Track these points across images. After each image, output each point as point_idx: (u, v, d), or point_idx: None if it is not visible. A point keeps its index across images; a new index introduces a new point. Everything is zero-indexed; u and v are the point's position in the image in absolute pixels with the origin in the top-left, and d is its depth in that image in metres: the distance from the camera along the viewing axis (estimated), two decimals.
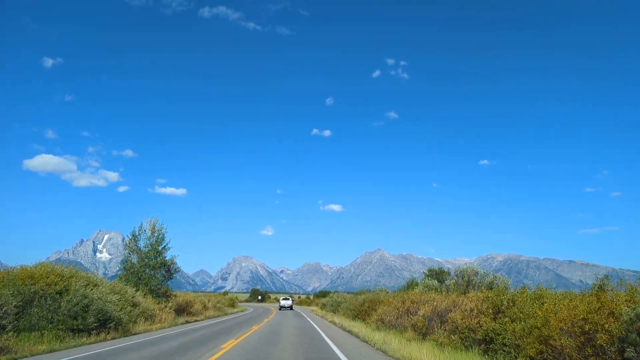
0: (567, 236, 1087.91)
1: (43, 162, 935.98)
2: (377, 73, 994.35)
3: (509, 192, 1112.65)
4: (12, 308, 13.68)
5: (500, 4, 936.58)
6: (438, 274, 28.44)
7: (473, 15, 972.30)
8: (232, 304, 53.53)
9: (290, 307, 59.09)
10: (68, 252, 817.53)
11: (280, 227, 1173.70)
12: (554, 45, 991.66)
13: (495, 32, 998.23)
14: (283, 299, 61.98)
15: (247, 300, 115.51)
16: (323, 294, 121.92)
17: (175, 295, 29.31)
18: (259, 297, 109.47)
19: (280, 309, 56.46)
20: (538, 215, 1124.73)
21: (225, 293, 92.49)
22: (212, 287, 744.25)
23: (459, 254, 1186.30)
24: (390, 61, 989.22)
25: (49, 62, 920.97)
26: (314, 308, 55.90)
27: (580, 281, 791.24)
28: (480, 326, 11.42)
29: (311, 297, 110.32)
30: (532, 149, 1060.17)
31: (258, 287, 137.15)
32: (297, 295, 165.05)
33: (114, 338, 16.88)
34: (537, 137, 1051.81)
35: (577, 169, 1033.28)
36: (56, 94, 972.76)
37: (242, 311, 48.14)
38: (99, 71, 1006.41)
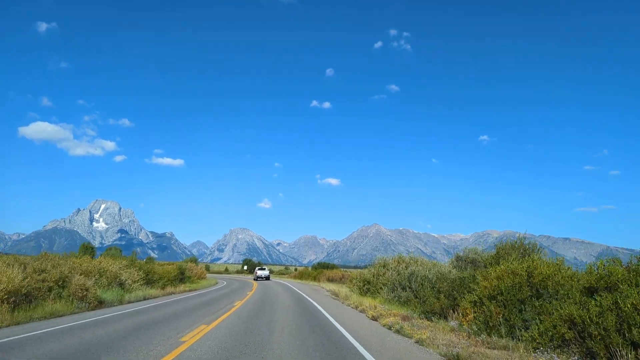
0: (563, 214, 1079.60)
1: (38, 130, 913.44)
2: (379, 44, 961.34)
3: (507, 169, 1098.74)
4: None
5: None
6: None
7: None
8: (180, 276, 30.26)
9: (267, 278, 58.03)
10: (65, 221, 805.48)
11: (277, 200, 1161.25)
12: (558, 29, 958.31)
13: (502, 12, 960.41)
14: (259, 269, 60.23)
15: (237, 272, 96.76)
16: (324, 265, 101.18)
17: None
18: (245, 267, 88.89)
19: (256, 279, 55.59)
20: (536, 192, 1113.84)
21: (193, 259, 71.60)
22: (209, 259, 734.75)
23: (454, 229, 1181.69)
24: (393, 32, 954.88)
25: (43, 26, 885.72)
26: (331, 287, 30.55)
27: (575, 258, 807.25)
28: None
29: (309, 269, 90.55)
30: (533, 126, 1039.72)
31: (254, 258, 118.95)
32: (294, 267, 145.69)
33: None
34: (538, 114, 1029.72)
35: (578, 147, 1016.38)
36: (51, 60, 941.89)
37: (188, 291, 25.87)
38: (94, 38, 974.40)
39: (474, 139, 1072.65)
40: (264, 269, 60.62)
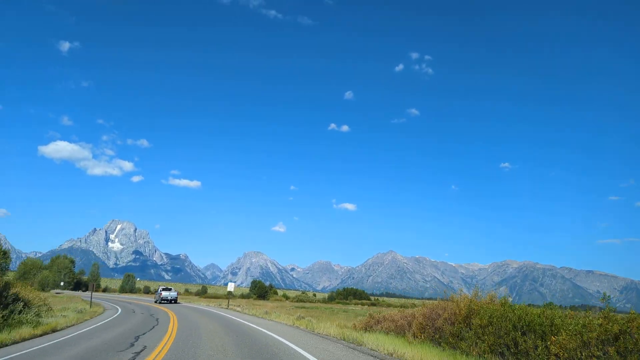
0: (586, 245, 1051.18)
1: (58, 148, 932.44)
2: (400, 67, 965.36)
3: (528, 198, 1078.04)
4: None
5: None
6: None
7: (504, 16, 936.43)
8: None
9: (175, 301, 46.99)
10: (81, 241, 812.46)
11: (292, 224, 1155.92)
12: (587, 47, 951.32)
13: (525, 36, 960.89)
14: (164, 289, 48.60)
15: (242, 296, 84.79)
16: (351, 292, 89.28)
17: None
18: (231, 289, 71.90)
19: (159, 303, 45.04)
20: (557, 222, 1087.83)
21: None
22: (222, 282, 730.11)
23: (473, 258, 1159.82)
24: (415, 55, 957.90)
25: (65, 45, 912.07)
26: None
27: (598, 292, 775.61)
28: None
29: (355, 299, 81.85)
30: (556, 154, 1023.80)
31: (267, 283, 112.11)
32: (313, 293, 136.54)
33: None
34: (562, 142, 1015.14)
35: (603, 177, 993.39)
36: (72, 79, 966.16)
37: None
38: (115, 57, 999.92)
39: (495, 165, 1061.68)
40: (170, 289, 49.98)
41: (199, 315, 26.55)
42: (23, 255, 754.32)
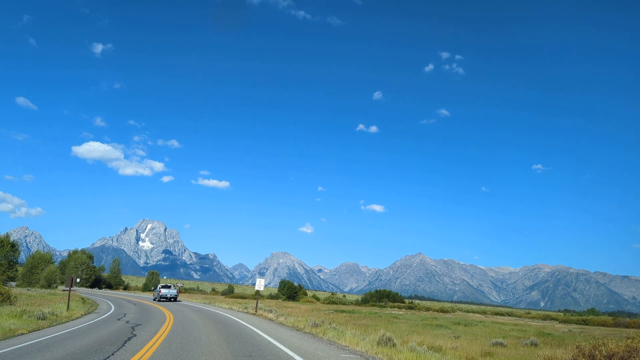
0: (621, 250, 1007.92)
1: (91, 149, 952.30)
2: (430, 67, 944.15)
3: (561, 200, 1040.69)
4: None
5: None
6: None
7: (535, 13, 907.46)
8: None
9: (174, 299, 45.90)
10: (112, 240, 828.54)
11: (320, 225, 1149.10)
12: (619, 60, 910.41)
13: (558, 41, 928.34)
14: (163, 287, 46.74)
15: (270, 297, 79.67)
16: (385, 294, 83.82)
17: None
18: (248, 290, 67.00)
19: (158, 301, 43.80)
20: (591, 226, 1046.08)
21: None
22: (250, 282, 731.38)
23: (503, 262, 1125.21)
24: (445, 55, 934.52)
25: (99, 47, 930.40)
26: None
27: (634, 297, 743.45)
28: None
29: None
30: (591, 155, 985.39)
31: (297, 283, 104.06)
32: (342, 295, 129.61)
33: None
34: (597, 143, 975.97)
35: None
36: (105, 80, 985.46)
37: None
38: (147, 60, 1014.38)
39: (527, 167, 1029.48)
40: (170, 286, 47.03)
41: (208, 329, 17.66)
42: (57, 254, 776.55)
